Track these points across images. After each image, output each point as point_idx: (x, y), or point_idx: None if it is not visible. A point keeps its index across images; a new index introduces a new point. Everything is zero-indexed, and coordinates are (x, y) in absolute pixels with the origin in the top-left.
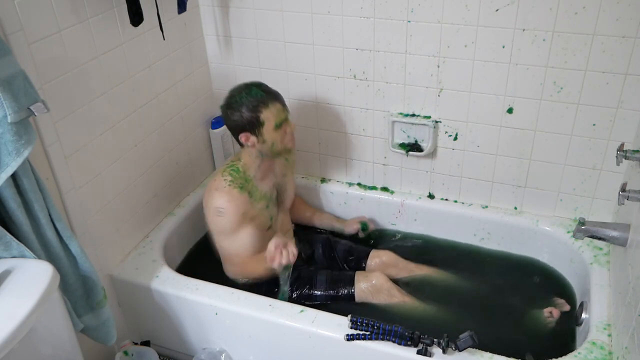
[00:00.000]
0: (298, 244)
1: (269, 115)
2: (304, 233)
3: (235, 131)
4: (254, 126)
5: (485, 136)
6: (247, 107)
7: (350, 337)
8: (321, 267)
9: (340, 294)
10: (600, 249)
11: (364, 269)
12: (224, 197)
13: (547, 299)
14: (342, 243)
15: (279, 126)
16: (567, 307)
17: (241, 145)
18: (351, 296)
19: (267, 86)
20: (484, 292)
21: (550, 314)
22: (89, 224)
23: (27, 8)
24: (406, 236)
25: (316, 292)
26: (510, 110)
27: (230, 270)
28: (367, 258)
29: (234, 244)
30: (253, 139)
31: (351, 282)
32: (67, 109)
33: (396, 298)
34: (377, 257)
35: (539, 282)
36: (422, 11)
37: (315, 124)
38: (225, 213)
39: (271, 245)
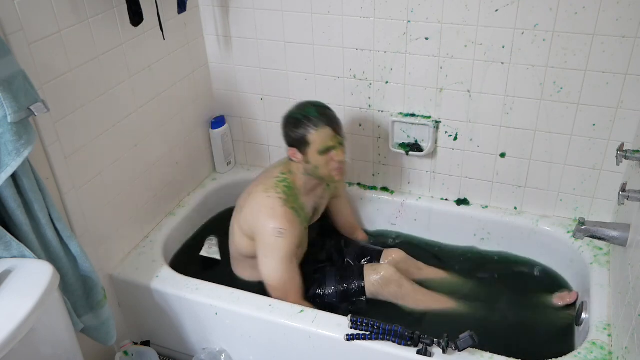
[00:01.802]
0: (312, 248)
1: (315, 138)
2: (316, 238)
3: (287, 144)
4: (300, 144)
5: (485, 136)
6: (298, 124)
7: (350, 337)
8: (330, 266)
9: (350, 288)
10: (600, 249)
11: None
12: (285, 217)
13: (548, 297)
14: (354, 245)
15: (323, 152)
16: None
17: (290, 159)
18: (361, 290)
19: (327, 109)
20: (483, 291)
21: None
22: (89, 224)
23: (27, 8)
24: (407, 237)
25: (327, 290)
26: (502, 155)
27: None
28: (379, 258)
29: (288, 271)
30: (299, 156)
31: (360, 276)
32: (67, 109)
33: (405, 288)
34: (389, 255)
35: (539, 281)
36: (422, 11)
37: None
38: (287, 235)
39: None
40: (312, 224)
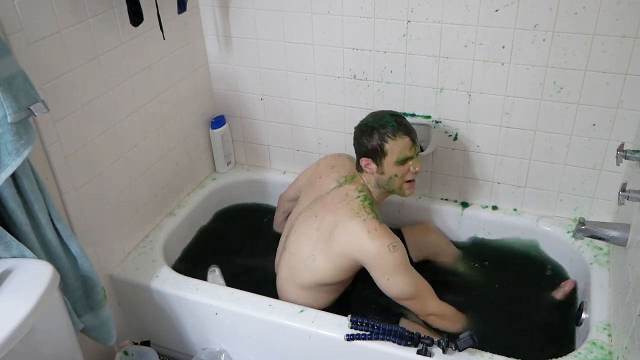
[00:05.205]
0: None
1: (393, 148)
2: None
3: (359, 154)
4: (376, 154)
5: (485, 136)
6: (374, 134)
7: (350, 337)
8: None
9: None
10: (600, 249)
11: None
12: (387, 232)
13: (549, 295)
14: None
15: (401, 162)
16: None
17: (360, 170)
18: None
19: (403, 118)
20: (483, 291)
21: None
22: (89, 224)
23: (27, 8)
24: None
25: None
26: (500, 163)
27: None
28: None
29: (418, 277)
30: (373, 166)
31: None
32: (67, 109)
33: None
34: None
35: (539, 281)
36: (422, 11)
37: (315, 124)
38: (399, 246)
39: None
40: None
